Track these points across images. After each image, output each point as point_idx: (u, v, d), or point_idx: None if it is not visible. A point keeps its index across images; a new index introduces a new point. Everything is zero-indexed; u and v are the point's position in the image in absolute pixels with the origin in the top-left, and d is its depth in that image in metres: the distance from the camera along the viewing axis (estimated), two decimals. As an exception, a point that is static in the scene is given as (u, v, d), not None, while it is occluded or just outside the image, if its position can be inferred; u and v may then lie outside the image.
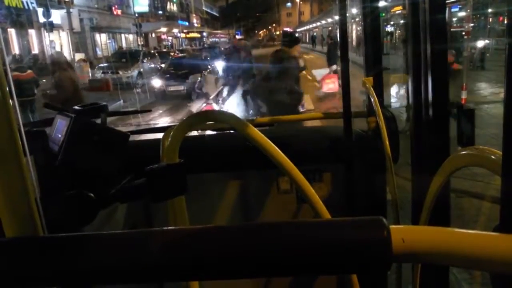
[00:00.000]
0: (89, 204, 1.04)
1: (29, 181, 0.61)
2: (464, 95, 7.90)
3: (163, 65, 18.48)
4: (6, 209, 0.59)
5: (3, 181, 0.59)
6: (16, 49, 21.52)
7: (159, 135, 1.46)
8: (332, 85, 10.72)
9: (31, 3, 21.50)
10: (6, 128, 0.58)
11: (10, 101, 0.60)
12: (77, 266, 0.53)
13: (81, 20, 26.29)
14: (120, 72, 17.82)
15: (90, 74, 16.03)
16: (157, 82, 15.48)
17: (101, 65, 19.57)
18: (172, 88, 15.03)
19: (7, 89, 0.59)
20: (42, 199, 0.68)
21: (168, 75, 15.72)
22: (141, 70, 19.19)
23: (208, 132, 2.04)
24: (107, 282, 0.54)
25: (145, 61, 20.41)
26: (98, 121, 1.39)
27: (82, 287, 0.62)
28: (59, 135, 1.26)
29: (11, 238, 0.59)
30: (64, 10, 20.70)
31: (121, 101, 12.34)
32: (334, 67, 11.59)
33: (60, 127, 1.29)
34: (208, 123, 1.59)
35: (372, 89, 1.83)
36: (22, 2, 21.19)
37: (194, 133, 2.22)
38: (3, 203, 0.59)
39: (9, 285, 0.55)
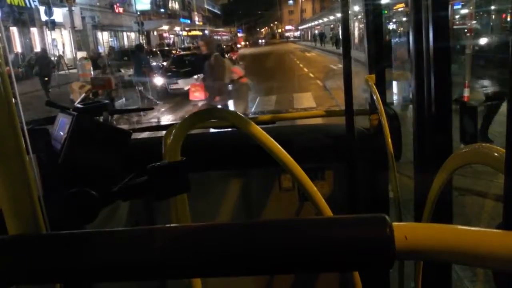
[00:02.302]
0: (91, 201, 1.05)
1: (32, 179, 0.61)
2: (466, 93, 7.81)
3: (165, 63, 18.44)
4: (9, 207, 0.60)
5: (6, 179, 0.59)
6: (18, 48, 21.55)
7: (161, 133, 1.46)
8: (197, 93, 10.88)
9: (33, 1, 21.49)
10: (9, 126, 0.58)
11: (13, 99, 0.60)
12: (80, 264, 0.53)
13: (83, 18, 26.31)
14: (122, 71, 17.76)
15: (92, 72, 15.92)
16: (159, 80, 15.43)
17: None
18: (174, 86, 14.90)
19: (10, 87, 0.59)
20: (45, 197, 0.68)
21: (170, 73, 15.69)
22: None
23: (211, 130, 2.04)
24: (109, 279, 0.54)
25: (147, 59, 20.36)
26: (101, 119, 1.39)
27: (84, 284, 0.63)
28: (62, 133, 1.26)
29: (14, 235, 0.60)
30: (66, 8, 20.65)
31: (123, 99, 12.30)
32: (200, 76, 11.72)
33: (62, 125, 1.29)
34: (210, 121, 1.59)
35: (374, 86, 1.82)
36: (24, 0, 21.19)
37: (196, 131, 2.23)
38: (6, 201, 0.59)
39: (12, 282, 0.55)
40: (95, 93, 9.69)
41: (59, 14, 20.76)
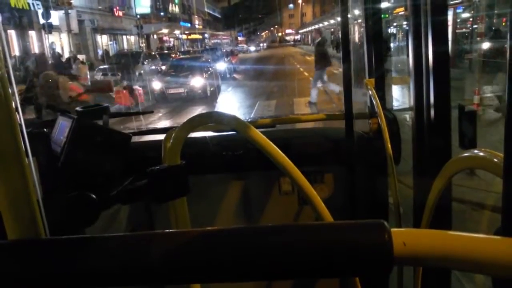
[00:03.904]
0: (91, 205, 1.05)
1: (31, 183, 0.61)
2: (476, 100, 7.38)
3: (164, 67, 18.39)
4: (8, 211, 0.59)
5: (5, 182, 0.59)
6: (16, 51, 21.41)
7: (161, 137, 1.46)
8: (122, 99, 11.32)
9: (37, 4, 21.38)
10: (9, 129, 0.58)
11: (13, 102, 0.60)
12: (79, 269, 0.53)
13: (82, 21, 26.26)
14: (120, 74, 17.56)
15: (88, 76, 15.39)
16: (157, 85, 15.24)
17: (101, 66, 19.08)
18: (172, 91, 14.82)
19: (9, 90, 0.59)
20: (44, 200, 0.68)
21: (168, 77, 15.62)
22: (142, 72, 19.02)
23: (210, 134, 2.04)
24: (108, 284, 0.54)
25: (145, 63, 20.23)
26: (100, 122, 1.39)
27: None
28: (61, 137, 1.26)
29: (13, 240, 0.59)
30: (63, 11, 20.47)
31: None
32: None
33: (62, 128, 1.29)
34: (209, 124, 1.59)
35: (374, 90, 1.83)
36: (28, 4, 21.07)
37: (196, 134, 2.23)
38: (5, 205, 0.59)
39: None
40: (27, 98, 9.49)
41: (55, 17, 20.57)
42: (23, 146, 0.61)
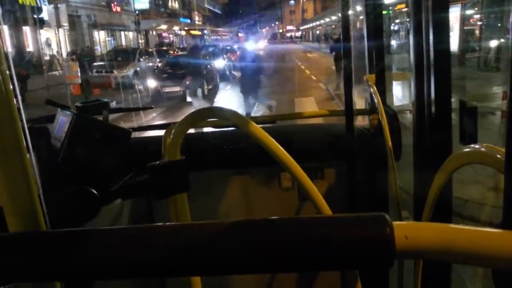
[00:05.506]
0: (91, 200, 1.05)
1: (31, 177, 0.62)
2: (504, 107, 6.91)
3: (160, 64, 17.89)
4: (9, 205, 0.60)
5: (6, 177, 0.59)
6: (9, 47, 21.09)
7: (161, 132, 1.46)
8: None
9: (43, 0, 21.06)
10: (10, 124, 0.59)
11: (14, 98, 0.60)
12: (80, 262, 0.53)
13: (79, 17, 26.02)
14: (115, 72, 16.86)
15: (79, 74, 14.00)
16: (152, 83, 14.68)
17: (95, 63, 18.35)
18: (167, 89, 14.22)
19: (11, 87, 0.59)
20: (45, 194, 0.68)
21: (164, 75, 14.85)
22: (137, 69, 18.34)
23: (210, 129, 2.04)
24: (109, 277, 0.54)
25: (142, 59, 19.66)
26: (100, 117, 1.39)
27: (84, 282, 0.63)
28: (61, 132, 1.26)
29: (14, 233, 0.60)
30: (52, 6, 20.11)
31: (114, 102, 11.96)
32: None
33: (62, 124, 1.30)
34: (210, 120, 1.59)
35: (374, 86, 1.83)
36: (36, 0, 20.76)
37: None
38: (6, 199, 0.59)
39: (12, 280, 0.55)
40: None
41: (44, 11, 20.14)
42: (23, 141, 0.61)
